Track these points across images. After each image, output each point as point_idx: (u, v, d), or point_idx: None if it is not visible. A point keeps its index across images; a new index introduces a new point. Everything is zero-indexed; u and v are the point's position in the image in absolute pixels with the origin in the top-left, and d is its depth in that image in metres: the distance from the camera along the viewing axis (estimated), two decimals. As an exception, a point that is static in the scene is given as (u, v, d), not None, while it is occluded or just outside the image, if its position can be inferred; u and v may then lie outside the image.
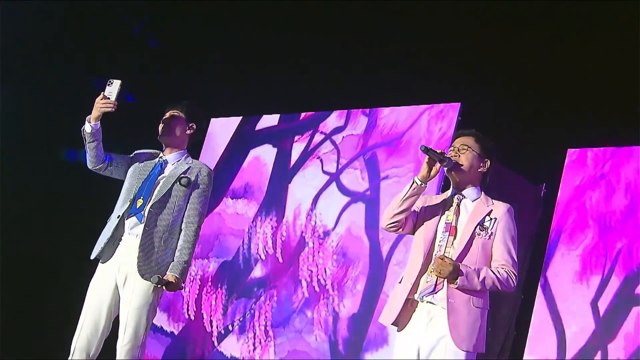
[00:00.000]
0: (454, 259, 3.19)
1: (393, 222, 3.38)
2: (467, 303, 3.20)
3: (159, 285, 3.89)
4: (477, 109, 5.53)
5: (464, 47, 5.67)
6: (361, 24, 6.22)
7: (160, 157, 4.13)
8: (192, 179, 4.06)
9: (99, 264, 4.02)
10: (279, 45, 6.68)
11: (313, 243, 6.12)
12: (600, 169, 5.24)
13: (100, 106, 3.92)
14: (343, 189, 6.18)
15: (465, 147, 3.39)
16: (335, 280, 5.89)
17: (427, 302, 3.26)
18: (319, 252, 6.06)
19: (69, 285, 5.68)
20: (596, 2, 4.96)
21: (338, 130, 6.42)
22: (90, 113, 4.00)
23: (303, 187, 6.44)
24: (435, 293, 3.24)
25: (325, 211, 6.16)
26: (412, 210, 3.40)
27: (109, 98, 3.92)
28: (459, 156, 3.38)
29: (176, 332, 6.74)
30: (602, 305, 4.91)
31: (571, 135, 5.33)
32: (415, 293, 3.26)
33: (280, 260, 6.35)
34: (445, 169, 3.33)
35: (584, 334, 4.94)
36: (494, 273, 3.20)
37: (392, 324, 3.30)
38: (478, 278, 3.17)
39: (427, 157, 3.29)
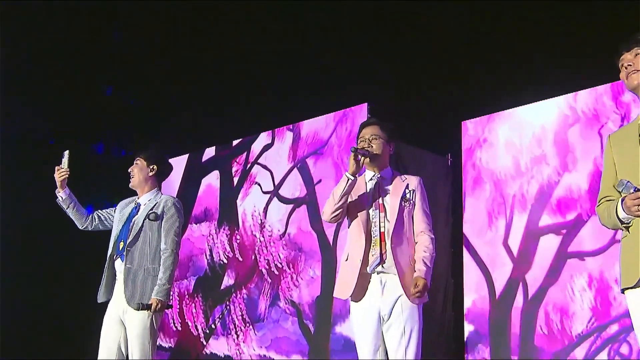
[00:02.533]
0: (390, 231, 3.49)
1: (336, 215, 3.63)
2: (410, 264, 3.51)
3: (145, 310, 4.09)
4: (382, 105, 5.85)
5: (359, 52, 6.04)
6: (258, 59, 6.61)
7: (135, 201, 4.40)
8: (159, 212, 4.31)
9: (109, 303, 4.26)
10: (203, 88, 7.07)
11: (264, 237, 6.50)
12: (482, 133, 5.75)
13: (58, 176, 4.30)
14: (284, 200, 6.52)
15: (375, 136, 3.66)
16: (289, 262, 6.26)
17: (377, 272, 3.49)
18: (270, 243, 6.41)
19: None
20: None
21: (267, 147, 6.76)
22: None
23: (249, 203, 6.79)
24: (384, 263, 3.49)
25: (273, 219, 6.50)
26: None
27: (63, 168, 4.30)
28: (372, 145, 3.64)
29: (173, 346, 7.01)
30: (513, 243, 5.41)
31: (464, 110, 5.79)
32: (367, 267, 3.48)
33: (240, 259, 6.69)
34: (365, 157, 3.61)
35: (505, 271, 5.43)
36: (422, 250, 3.52)
37: (350, 297, 3.52)
38: (425, 265, 3.48)
39: (353, 154, 3.56)
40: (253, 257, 6.60)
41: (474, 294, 5.52)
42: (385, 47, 5.97)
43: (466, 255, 5.60)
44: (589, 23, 5.05)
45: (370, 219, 3.58)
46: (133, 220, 4.32)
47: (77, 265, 6.57)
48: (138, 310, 4.13)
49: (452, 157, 5.74)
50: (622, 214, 2.71)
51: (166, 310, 4.35)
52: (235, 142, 7.13)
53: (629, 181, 2.67)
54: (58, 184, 4.37)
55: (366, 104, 5.98)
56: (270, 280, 6.42)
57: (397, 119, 4.17)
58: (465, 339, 5.48)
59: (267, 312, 6.42)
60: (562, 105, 5.32)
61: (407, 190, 3.62)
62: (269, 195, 6.66)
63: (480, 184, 5.70)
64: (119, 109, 7.42)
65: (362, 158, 3.56)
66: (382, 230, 3.53)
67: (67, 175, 4.34)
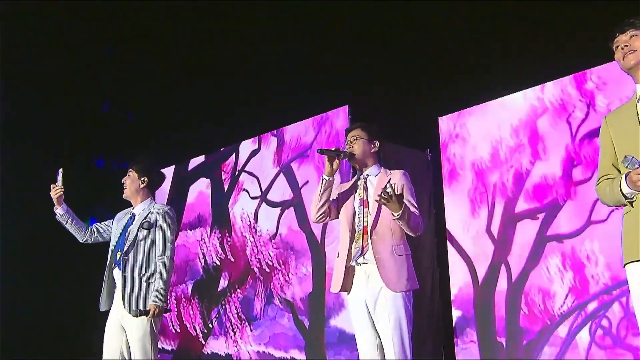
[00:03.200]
0: (371, 224, 3.58)
1: (320, 214, 3.74)
2: (392, 254, 3.57)
3: (142, 316, 4.18)
4: (362, 106, 6.03)
5: (338, 56, 6.10)
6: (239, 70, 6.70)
7: (130, 211, 4.47)
8: (152, 220, 4.38)
9: (110, 311, 4.34)
10: (190, 99, 7.17)
11: (254, 238, 6.65)
12: (456, 128, 5.94)
13: (53, 194, 4.40)
14: (273, 203, 6.69)
15: (355, 137, 3.78)
16: (279, 260, 6.43)
17: (360, 264, 3.60)
18: (260, 243, 6.55)
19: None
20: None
21: (255, 152, 6.92)
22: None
23: (239, 208, 6.95)
24: (364, 254, 3.58)
25: (264, 222, 6.68)
26: (331, 200, 3.75)
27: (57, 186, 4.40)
28: (353, 146, 3.75)
29: (175, 348, 7.14)
30: (495, 229, 5.58)
31: (440, 106, 5.95)
32: (351, 260, 3.60)
33: (233, 260, 6.86)
34: (346, 159, 3.74)
35: (487, 256, 5.59)
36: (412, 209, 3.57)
37: (340, 290, 3.65)
38: (409, 212, 3.50)
39: (326, 156, 3.66)
40: (245, 257, 6.74)
41: (459, 280, 5.67)
42: (363, 49, 6.07)
43: (450, 245, 5.77)
44: (553, 18, 5.18)
45: (356, 215, 3.68)
46: (128, 230, 4.39)
47: (78, 265, 6.56)
48: (136, 316, 4.19)
49: (431, 152, 5.91)
50: (626, 189, 2.73)
51: (165, 314, 4.41)
52: (222, 149, 7.27)
53: (633, 157, 2.66)
54: (55, 201, 4.45)
55: (347, 105, 6.12)
56: (263, 279, 6.56)
57: (377, 118, 4.25)
58: (453, 324, 5.61)
59: (264, 310, 6.54)
60: (531, 97, 5.51)
61: (388, 185, 3.65)
62: (257, 200, 6.80)
63: (457, 176, 5.86)
64: (116, 123, 7.49)
65: (337, 159, 3.66)
66: (364, 224, 3.63)
67: (62, 192, 4.43)
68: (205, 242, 7.14)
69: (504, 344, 5.36)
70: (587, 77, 5.26)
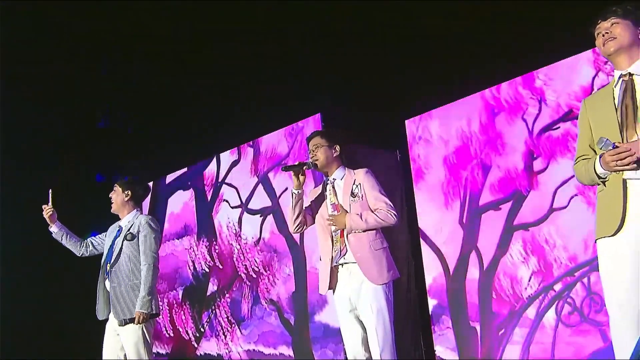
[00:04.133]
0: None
1: (297, 226, 3.85)
2: (369, 249, 3.67)
3: (130, 324, 4.29)
4: (334, 113, 6.15)
5: (308, 66, 6.13)
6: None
7: (119, 224, 4.60)
8: (135, 231, 4.46)
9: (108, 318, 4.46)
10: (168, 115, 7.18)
11: (240, 245, 6.83)
12: (419, 130, 6.13)
13: (45, 214, 4.56)
14: (253, 212, 6.83)
15: (316, 146, 3.84)
16: (265, 265, 6.57)
17: (342, 264, 3.72)
18: (246, 250, 6.75)
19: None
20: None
21: (235, 163, 7.05)
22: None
23: (225, 216, 7.09)
24: (344, 255, 3.70)
25: (247, 229, 6.82)
26: (305, 209, 3.86)
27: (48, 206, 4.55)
28: (316, 154, 3.82)
29: (169, 351, 7.25)
30: (464, 221, 5.73)
31: (407, 109, 6.09)
32: (333, 262, 3.72)
33: (220, 266, 7.01)
34: (311, 169, 3.81)
35: (457, 245, 5.75)
36: (373, 213, 3.66)
37: (328, 290, 3.77)
38: (361, 218, 3.63)
39: (292, 171, 3.76)
40: (232, 264, 6.87)
41: (432, 270, 5.86)
42: (334, 61, 6.08)
43: (422, 238, 5.94)
44: (505, 23, 5.23)
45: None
46: (115, 243, 4.50)
47: (77, 266, 6.18)
48: (123, 325, 4.31)
49: (400, 152, 6.07)
50: (599, 170, 2.81)
51: (154, 318, 4.49)
52: (202, 161, 7.40)
53: (607, 139, 2.74)
54: (47, 220, 4.58)
55: (319, 114, 6.27)
56: (249, 284, 6.68)
57: (349, 124, 4.36)
58: (430, 313, 5.78)
59: (251, 311, 6.66)
60: (488, 97, 5.71)
61: (354, 186, 3.75)
62: (239, 211, 6.94)
63: (422, 174, 6.04)
64: (113, 138, 7.46)
65: (302, 172, 3.76)
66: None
67: (52, 212, 4.56)
68: (194, 250, 7.24)
69: (478, 329, 5.51)
70: (535, 76, 5.48)
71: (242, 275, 6.79)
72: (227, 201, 7.06)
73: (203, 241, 7.21)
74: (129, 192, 4.60)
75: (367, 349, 3.69)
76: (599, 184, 2.88)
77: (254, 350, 6.58)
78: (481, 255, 5.61)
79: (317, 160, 3.82)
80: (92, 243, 4.69)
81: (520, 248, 5.40)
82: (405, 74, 5.89)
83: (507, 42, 5.30)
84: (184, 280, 7.34)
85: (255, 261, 6.70)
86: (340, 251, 3.71)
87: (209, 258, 7.11)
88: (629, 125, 2.81)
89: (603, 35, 2.92)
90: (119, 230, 4.56)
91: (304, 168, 3.79)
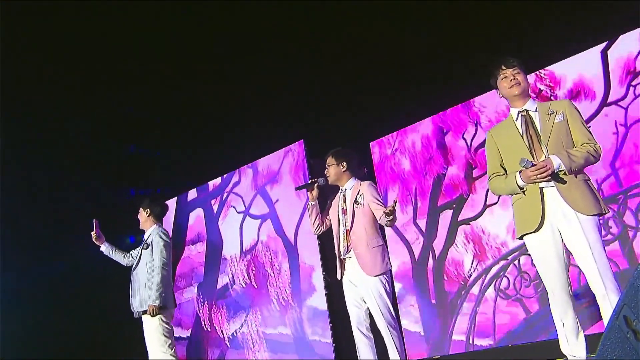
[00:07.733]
0: (349, 228, 3.94)
1: (316, 228, 4.21)
2: (367, 247, 3.97)
3: (146, 315, 4.78)
4: (314, 138, 6.61)
5: (291, 95, 6.42)
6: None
7: (144, 237, 5.13)
8: (150, 242, 4.97)
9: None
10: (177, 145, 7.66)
11: (273, 272, 7.09)
12: (385, 148, 6.48)
13: (94, 241, 5.10)
14: (253, 216, 7.40)
15: (328, 164, 4.20)
16: (293, 294, 6.87)
17: (348, 258, 4.04)
18: (278, 279, 7.03)
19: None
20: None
21: (236, 184, 7.66)
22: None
23: (228, 223, 7.61)
24: (349, 251, 4.01)
25: (248, 232, 7.43)
26: (323, 213, 4.22)
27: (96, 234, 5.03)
28: (328, 171, 4.17)
29: (189, 335, 7.74)
30: (421, 222, 6.19)
31: (371, 132, 6.45)
32: (341, 256, 4.06)
33: (255, 286, 7.31)
34: (324, 185, 4.15)
35: (419, 243, 6.15)
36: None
37: (340, 277, 4.07)
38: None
39: (306, 189, 4.11)
40: (265, 286, 7.14)
41: (398, 260, 6.25)
42: (311, 94, 6.44)
43: (392, 233, 6.31)
44: (448, 60, 5.66)
45: (340, 221, 4.12)
46: (138, 251, 5.09)
47: (84, 267, 6.57)
48: (139, 316, 4.90)
49: (367, 168, 6.15)
50: (520, 182, 3.13)
51: (171, 309, 4.92)
52: (212, 182, 7.92)
53: (527, 159, 3.07)
54: (97, 243, 5.16)
55: (302, 140, 6.80)
56: (278, 309, 7.02)
57: (325, 146, 4.65)
58: (396, 294, 6.13)
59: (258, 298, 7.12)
60: (437, 120, 6.19)
61: (357, 195, 4.04)
62: (242, 215, 7.40)
63: (388, 184, 6.45)
64: (142, 160, 7.82)
65: (315, 188, 4.11)
66: (346, 228, 4.06)
67: (97, 237, 5.13)
68: (234, 265, 7.49)
69: (435, 304, 6.00)
70: (472, 104, 6.00)
71: (274, 299, 7.04)
72: (234, 207, 7.49)
73: (243, 258, 7.43)
74: (149, 210, 5.16)
75: (368, 318, 4.03)
76: (517, 194, 3.20)
77: (264, 332, 7.07)
78: (434, 247, 6.07)
79: (329, 176, 4.14)
80: (131, 255, 5.31)
81: (463, 239, 5.86)
82: (371, 101, 6.26)
83: (449, 75, 5.72)
84: (197, 278, 7.73)
85: (286, 291, 6.90)
86: (347, 247, 4.02)
87: (246, 276, 7.37)
88: (537, 148, 3.16)
89: (511, 80, 3.23)
90: (144, 242, 5.18)
91: (315, 185, 4.09)
